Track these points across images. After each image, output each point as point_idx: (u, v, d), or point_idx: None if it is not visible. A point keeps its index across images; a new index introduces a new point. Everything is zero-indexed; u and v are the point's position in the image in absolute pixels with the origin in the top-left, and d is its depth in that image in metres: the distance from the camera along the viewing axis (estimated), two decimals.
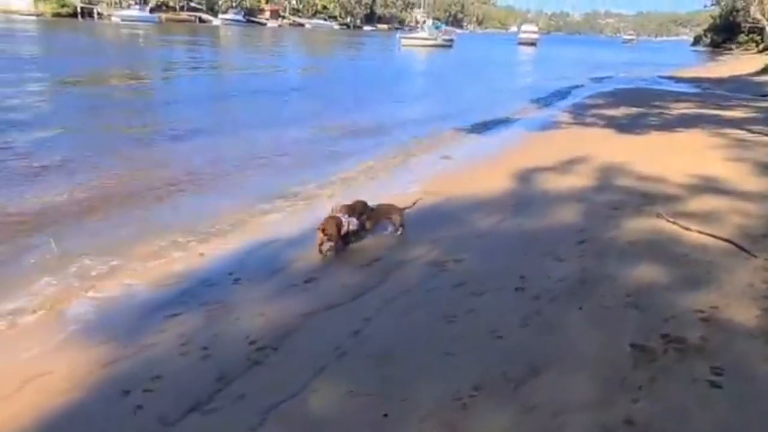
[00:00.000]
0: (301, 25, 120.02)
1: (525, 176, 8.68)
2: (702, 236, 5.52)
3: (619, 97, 20.00)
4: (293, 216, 7.16)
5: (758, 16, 52.26)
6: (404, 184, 8.62)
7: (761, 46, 59.63)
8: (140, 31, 61.66)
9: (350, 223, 5.65)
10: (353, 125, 14.18)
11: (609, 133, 12.90)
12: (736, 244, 5.19)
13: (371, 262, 5.43)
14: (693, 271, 4.72)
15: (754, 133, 11.26)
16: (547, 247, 5.50)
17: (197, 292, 4.89)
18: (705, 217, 6.13)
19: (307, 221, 6.79)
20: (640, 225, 5.98)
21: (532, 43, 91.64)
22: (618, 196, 7.20)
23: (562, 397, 3.13)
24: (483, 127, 14.52)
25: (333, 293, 4.77)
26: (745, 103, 17.54)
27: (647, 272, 4.75)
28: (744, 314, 3.91)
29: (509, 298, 4.43)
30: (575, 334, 3.82)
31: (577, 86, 26.04)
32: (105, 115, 14.29)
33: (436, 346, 3.74)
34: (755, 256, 4.91)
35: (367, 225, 5.95)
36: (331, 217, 5.58)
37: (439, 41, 66.15)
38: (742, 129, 11.87)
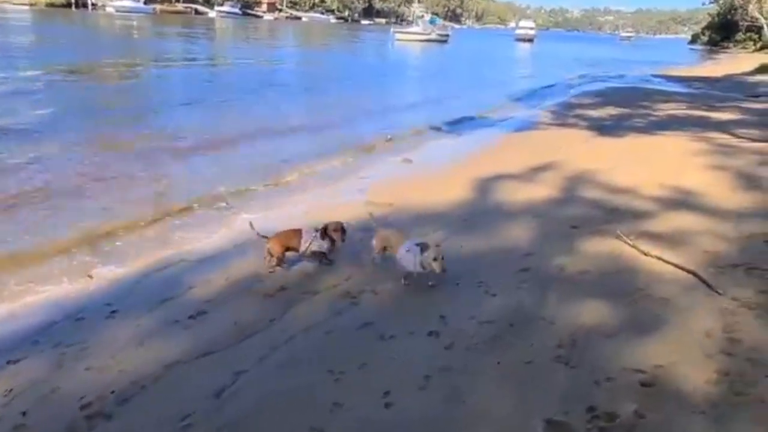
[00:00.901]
0: (298, 18, 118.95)
1: (486, 185, 7.92)
2: (663, 264, 4.77)
3: (606, 97, 19.22)
4: (217, 228, 6.38)
5: (756, 14, 51.48)
6: (352, 192, 7.86)
7: (759, 45, 58.86)
8: (134, 22, 60.74)
9: (313, 242, 4.95)
10: (320, 123, 13.41)
11: (589, 135, 12.14)
12: (699, 277, 4.44)
13: (277, 291, 4.66)
14: (644, 312, 3.97)
15: (739, 137, 10.50)
16: (483, 275, 4.75)
17: (58, 330, 4.14)
18: (671, 239, 5.38)
19: (229, 235, 6.06)
20: (596, 248, 5.23)
21: (529, 40, 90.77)
22: (580, 211, 6.46)
23: None
24: (458, 127, 13.78)
25: (217, 333, 4.02)
26: (736, 104, 16.76)
27: (591, 313, 4.00)
28: (693, 378, 3.16)
29: (417, 346, 3.68)
30: (481, 402, 3.06)
31: (567, 84, 25.28)
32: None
33: (304, 418, 2.98)
34: (719, 293, 4.15)
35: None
36: (288, 231, 5.02)
37: (433, 36, 65.19)
38: (728, 133, 11.11)
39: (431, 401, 3.09)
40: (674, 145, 10.35)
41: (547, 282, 4.55)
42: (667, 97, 19.40)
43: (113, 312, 4.38)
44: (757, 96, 19.43)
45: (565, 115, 15.21)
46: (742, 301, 4.03)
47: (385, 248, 4.82)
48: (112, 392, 3.33)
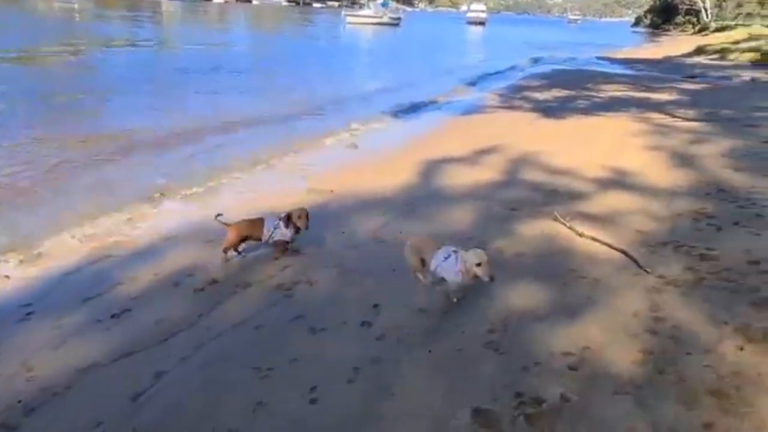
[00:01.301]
0: (249, 1, 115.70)
1: (431, 169, 7.86)
2: (597, 245, 4.82)
3: (553, 79, 19.50)
4: (148, 221, 6.07)
5: None
6: (295, 179, 7.64)
7: (697, 28, 61.12)
8: (75, 5, 57.62)
9: (276, 231, 4.74)
10: (265, 109, 13.01)
11: (534, 117, 12.26)
12: (630, 257, 4.51)
13: (207, 285, 4.45)
14: (575, 293, 4.00)
15: (676, 117, 10.84)
16: None
17: None
18: (606, 219, 5.47)
19: (160, 229, 5.77)
20: (533, 230, 5.25)
21: (481, 23, 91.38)
22: (521, 193, 6.49)
23: None
24: (406, 111, 13.65)
25: (140, 332, 3.79)
26: (674, 84, 17.32)
27: (524, 296, 3.99)
28: (619, 358, 3.19)
29: (348, 338, 3.58)
30: (410, 393, 3.00)
31: (515, 67, 25.49)
32: None
33: (224, 420, 2.84)
34: (648, 272, 4.22)
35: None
36: (249, 220, 4.81)
37: (385, 20, 64.65)
38: (666, 113, 11.45)
39: (359, 395, 3.01)
40: (615, 126, 10.58)
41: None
42: (610, 79, 19.85)
43: (29, 314, 4.08)
44: (693, 77, 20.14)
45: (512, 98, 15.32)
46: (669, 278, 4.11)
47: (422, 260, 4.03)
48: (19, 402, 3.09)
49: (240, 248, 4.92)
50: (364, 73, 23.44)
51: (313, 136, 10.50)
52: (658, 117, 11.14)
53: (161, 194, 6.89)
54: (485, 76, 21.36)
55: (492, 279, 3.45)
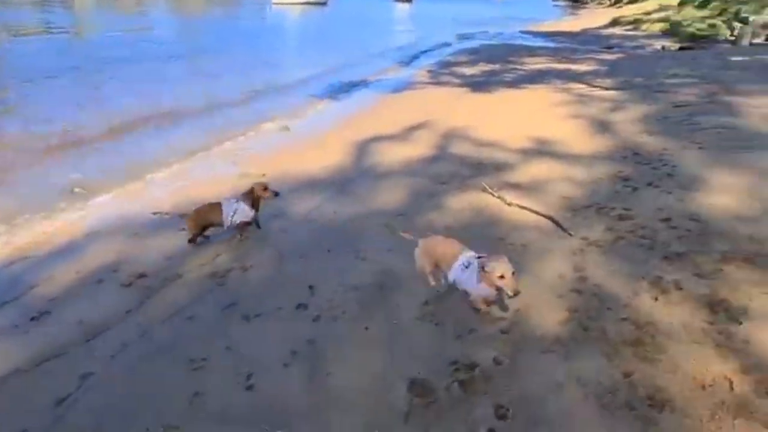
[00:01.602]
0: None
1: (362, 148, 7.83)
2: (524, 212, 4.98)
3: (479, 54, 19.78)
4: (68, 218, 5.72)
5: None
6: (226, 164, 7.40)
7: (612, 0, 63.70)
8: None
9: (237, 212, 4.57)
10: (193, 93, 12.48)
11: (462, 92, 12.41)
12: (554, 221, 4.69)
13: (135, 279, 4.26)
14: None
15: (594, 86, 11.27)
16: (355, 240, 4.67)
17: None
18: (532, 187, 5.65)
19: (81, 225, 5.45)
20: (463, 202, 5.35)
21: (408, 0, 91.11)
22: (450, 167, 6.57)
23: None
24: (337, 91, 13.47)
25: (62, 334, 3.60)
26: (592, 55, 18.00)
27: None
28: (547, 319, 3.33)
29: (284, 322, 3.54)
30: (347, 371, 3.01)
31: (443, 44, 25.62)
32: None
33: (158, 416, 2.75)
34: (571, 235, 4.42)
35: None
36: (205, 207, 4.65)
37: None
38: (585, 83, 11.88)
39: (296, 378, 2.99)
40: (538, 98, 10.88)
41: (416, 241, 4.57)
42: (533, 52, 20.36)
43: None
44: (610, 47, 21.01)
45: (440, 74, 15.44)
46: (591, 240, 4.31)
47: (436, 264, 3.58)
48: None
49: (207, 233, 4.81)
50: (294, 55, 22.87)
51: (243, 121, 10.18)
52: (578, 87, 11.55)
53: (82, 189, 6.50)
54: (414, 54, 21.36)
55: (516, 293, 2.96)
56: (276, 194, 4.65)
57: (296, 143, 8.67)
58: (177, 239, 4.89)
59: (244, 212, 4.60)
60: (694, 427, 2.43)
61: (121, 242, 4.95)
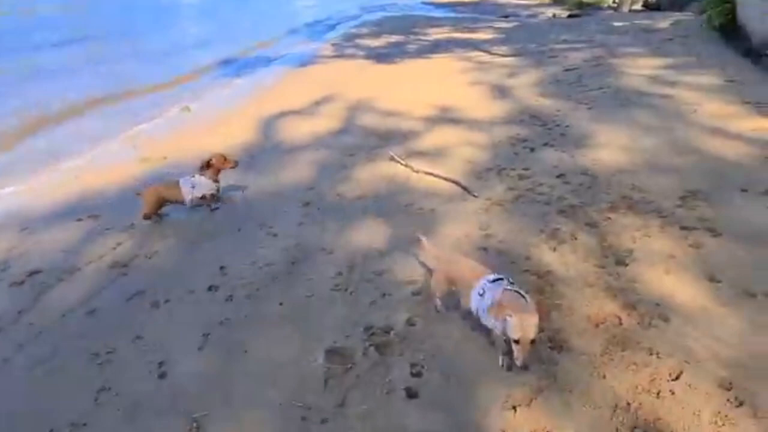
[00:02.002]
0: None
1: (269, 124, 7.62)
2: (431, 178, 5.10)
3: (382, 26, 19.75)
4: None
5: None
6: (125, 150, 6.94)
7: None
8: None
9: (197, 186, 4.51)
10: (85, 75, 11.51)
11: (367, 64, 12.37)
12: (460, 185, 4.85)
13: (27, 276, 3.93)
14: (415, 224, 4.21)
15: (493, 54, 11.65)
16: (266, 217, 4.58)
17: None
18: (439, 153, 5.79)
19: None
20: (372, 172, 5.39)
21: None
22: (358, 139, 6.57)
23: None
24: (239, 69, 12.93)
25: None
26: (490, 24, 18.53)
27: (368, 235, 4.12)
28: None
29: (196, 305, 3.43)
30: (264, 347, 2.98)
31: (349, 17, 25.32)
32: None
33: (63, 416, 2.58)
34: (476, 196, 4.59)
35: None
36: (163, 184, 4.55)
37: None
38: (484, 51, 12.23)
39: (210, 360, 2.92)
40: (441, 66, 11.09)
41: (328, 212, 4.57)
42: (435, 22, 20.62)
43: None
44: (506, 16, 21.74)
45: (345, 47, 15.27)
46: (494, 200, 4.51)
47: (452, 285, 3.00)
48: None
49: (160, 211, 4.65)
50: (195, 35, 21.64)
51: (143, 106, 9.52)
52: (478, 55, 11.89)
53: None
54: (318, 27, 20.96)
55: (525, 368, 2.40)
56: (236, 164, 4.68)
57: (198, 124, 8.27)
58: (74, 231, 4.56)
59: (206, 185, 4.55)
60: (589, 362, 2.65)
61: (9, 239, 4.54)
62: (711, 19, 10.69)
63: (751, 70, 7.82)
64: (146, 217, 4.54)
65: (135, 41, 17.52)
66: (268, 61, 13.98)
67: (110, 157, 6.72)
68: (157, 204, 4.54)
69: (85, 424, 2.56)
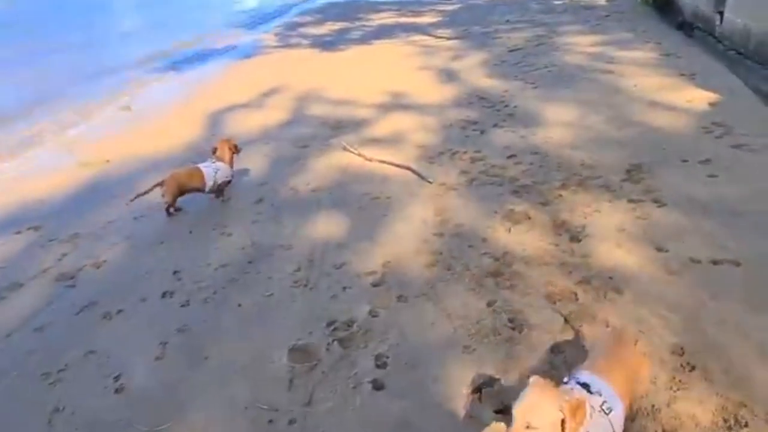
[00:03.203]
0: None
1: (215, 120, 7.40)
2: (385, 166, 5.08)
3: (325, 13, 19.46)
4: None
5: None
6: (61, 155, 6.59)
7: None
8: None
9: (218, 172, 4.50)
10: (8, 84, 10.85)
11: (313, 53, 12.17)
12: (413, 171, 4.85)
13: None
14: (371, 214, 4.22)
15: (438, 37, 11.68)
16: (218, 216, 4.47)
17: None
18: (391, 140, 5.78)
19: None
20: (326, 163, 5.33)
21: None
22: (310, 129, 6.48)
23: None
24: (182, 63, 12.48)
25: None
26: (433, 7, 18.55)
27: (325, 229, 4.08)
28: (415, 265, 3.48)
29: (151, 314, 3.31)
30: (225, 352, 2.91)
31: (289, 4, 24.80)
32: None
33: None
34: (430, 182, 4.61)
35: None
36: (184, 173, 4.46)
37: None
38: (429, 34, 12.24)
39: (170, 369, 2.83)
40: (388, 52, 11.03)
41: (283, 207, 4.49)
42: (378, 7, 20.50)
43: None
44: None
45: (289, 36, 14.97)
46: (448, 184, 4.55)
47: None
48: None
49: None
50: (127, 30, 20.73)
51: (78, 107, 9.06)
52: (423, 39, 11.89)
53: None
54: (259, 16, 20.44)
55: None
56: (239, 150, 4.79)
57: (140, 123, 7.94)
58: (13, 245, 4.31)
59: (226, 172, 4.58)
60: (551, 339, 2.71)
61: None
62: None
63: (685, 43, 8.14)
64: (169, 207, 4.44)
65: (64, 36, 16.63)
66: (209, 54, 13.56)
67: (46, 163, 6.39)
68: (179, 193, 4.43)
69: None
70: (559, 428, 1.65)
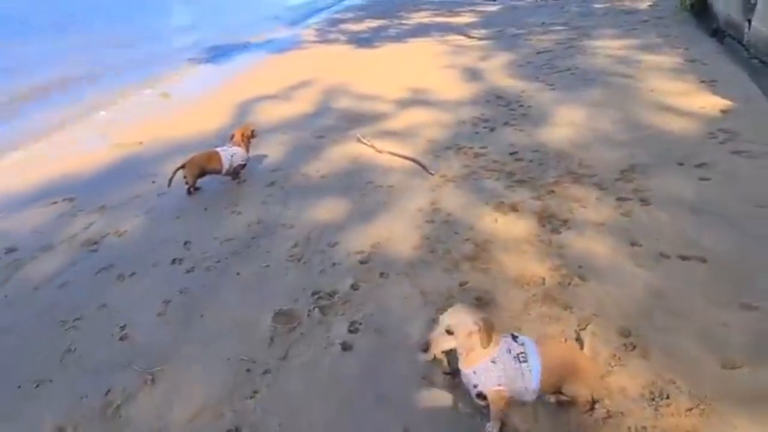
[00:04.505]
0: None
1: (245, 109, 7.81)
2: (394, 158, 5.33)
3: (367, 10, 19.80)
4: None
5: None
6: (97, 136, 7.12)
7: None
8: None
9: (234, 156, 4.88)
10: (55, 70, 11.62)
11: (348, 49, 12.50)
12: (418, 163, 5.09)
13: (3, 254, 4.19)
14: (371, 201, 4.47)
15: (471, 37, 11.82)
16: (232, 197, 4.82)
17: None
18: (404, 134, 6.01)
19: None
20: (338, 153, 5.61)
21: None
22: (329, 121, 6.78)
23: (166, 415, 2.52)
24: (219, 55, 13.04)
25: None
26: (474, 8, 18.63)
27: (327, 211, 4.37)
28: (402, 247, 3.72)
29: (159, 277, 3.67)
30: (219, 312, 3.24)
31: (331, 1, 25.29)
32: None
33: (26, 374, 2.84)
34: (432, 174, 4.84)
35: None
36: (203, 155, 4.81)
37: None
38: (463, 34, 12.39)
39: (169, 323, 3.17)
40: (419, 50, 11.25)
41: (291, 191, 4.80)
42: (422, 5, 20.70)
43: None
44: (494, 0, 21.77)
45: (327, 32, 15.36)
46: (448, 176, 4.76)
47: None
48: None
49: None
50: (175, 21, 21.65)
51: (117, 92, 9.69)
52: (456, 39, 12.05)
53: None
54: (302, 11, 20.98)
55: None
56: (254, 136, 5.14)
57: (174, 109, 8.45)
58: (49, 213, 4.79)
59: (242, 156, 4.93)
60: (511, 316, 2.92)
61: None
62: (684, 0, 10.89)
63: (715, 50, 8.04)
64: (190, 187, 4.84)
65: (113, 26, 17.53)
66: (248, 47, 14.09)
67: (84, 143, 6.90)
68: (199, 175, 4.81)
69: (50, 381, 2.81)
70: (471, 338, 2.04)
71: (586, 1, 16.80)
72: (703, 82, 6.49)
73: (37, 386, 2.79)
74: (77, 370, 2.87)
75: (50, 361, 2.95)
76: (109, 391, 2.70)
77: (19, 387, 2.79)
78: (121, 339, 3.07)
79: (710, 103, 5.74)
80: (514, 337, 2.18)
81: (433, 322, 2.88)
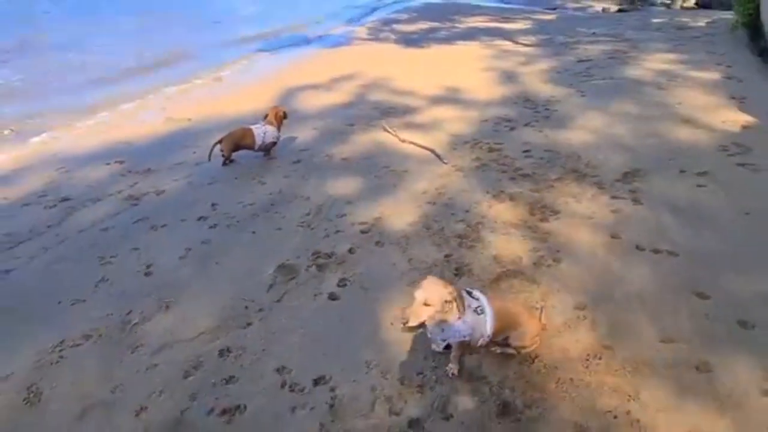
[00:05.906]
0: None
1: (289, 95, 8.35)
2: (414, 147, 5.68)
3: (422, 13, 20.14)
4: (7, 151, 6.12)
5: None
6: (155, 111, 7.81)
7: None
8: None
9: (267, 134, 5.33)
10: (121, 44, 12.57)
11: (396, 48, 12.92)
12: (434, 152, 5.42)
13: (59, 202, 4.82)
14: (384, 182, 4.84)
15: (518, 43, 11.99)
16: (260, 170, 5.31)
17: None
18: (428, 126, 6.34)
19: (19, 157, 5.92)
20: (363, 139, 6.01)
21: None
22: (362, 111, 7.20)
23: (174, 334, 2.99)
24: (275, 47, 13.74)
25: None
26: (530, 15, 18.69)
27: (342, 188, 4.77)
28: (400, 222, 4.07)
29: (185, 230, 4.18)
30: (231, 261, 3.71)
31: (388, 2, 25.78)
32: None
33: (67, 294, 3.39)
34: (445, 163, 5.16)
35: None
36: (238, 131, 5.29)
37: None
38: (511, 40, 12.57)
39: (188, 266, 3.66)
40: (464, 53, 11.53)
41: (314, 169, 5.24)
42: (478, 11, 20.88)
43: None
44: (553, 8, 21.68)
45: (380, 31, 15.82)
46: (459, 167, 5.08)
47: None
48: None
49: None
50: (240, 14, 22.69)
51: (178, 74, 10.46)
52: (504, 44, 12.24)
53: (11, 131, 6.88)
54: (360, 11, 21.57)
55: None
56: (286, 116, 5.59)
57: (225, 92, 9.09)
58: (102, 172, 5.41)
59: (274, 134, 5.37)
60: (483, 285, 3.23)
61: (50, 176, 5.44)
62: (736, 18, 10.72)
63: (757, 69, 7.98)
64: (226, 159, 5.37)
65: (179, 18, 18.60)
66: (304, 41, 14.72)
67: (141, 116, 7.60)
68: (234, 149, 5.33)
69: (84, 301, 3.34)
70: (446, 306, 2.35)
71: (646, 15, 16.60)
72: (733, 98, 6.52)
73: (73, 304, 3.32)
74: (107, 295, 3.39)
75: (86, 286, 3.48)
76: (130, 311, 3.20)
77: (60, 302, 3.33)
78: (146, 275, 3.58)
79: (733, 118, 5.80)
80: (469, 292, 2.52)
81: (414, 284, 3.25)
